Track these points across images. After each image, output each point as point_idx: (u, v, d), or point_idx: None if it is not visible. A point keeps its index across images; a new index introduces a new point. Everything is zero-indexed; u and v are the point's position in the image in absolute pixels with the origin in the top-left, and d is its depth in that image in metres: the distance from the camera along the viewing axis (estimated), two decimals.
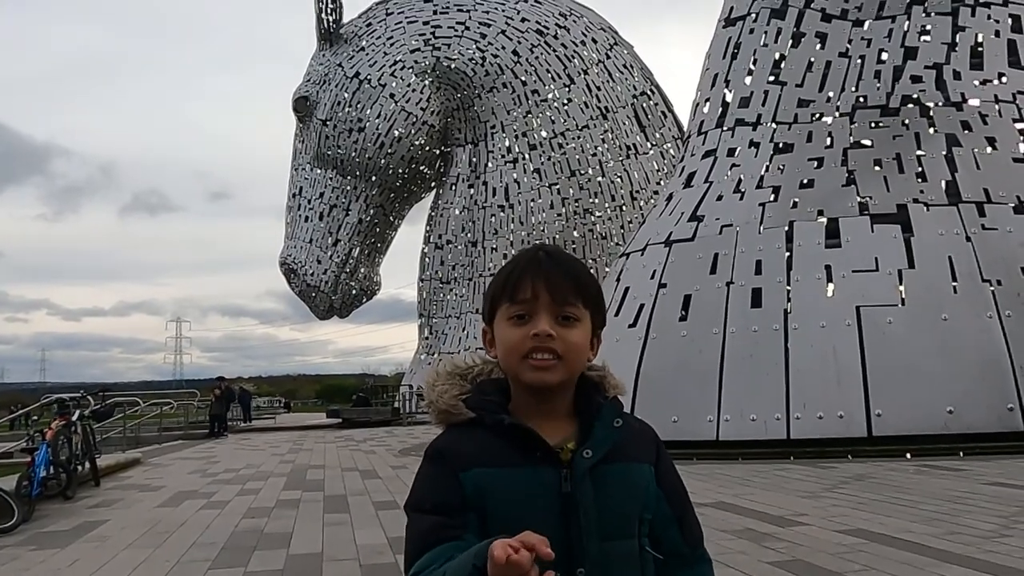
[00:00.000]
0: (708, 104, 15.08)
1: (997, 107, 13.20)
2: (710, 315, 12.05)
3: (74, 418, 9.45)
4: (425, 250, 34.30)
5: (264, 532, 6.48)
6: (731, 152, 13.92)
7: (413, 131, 31.92)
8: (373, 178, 32.87)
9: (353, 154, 31.95)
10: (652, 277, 13.18)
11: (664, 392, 11.58)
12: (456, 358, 1.23)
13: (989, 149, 12.82)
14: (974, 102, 13.25)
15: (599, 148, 31.53)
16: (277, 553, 5.61)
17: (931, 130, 12.89)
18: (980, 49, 13.65)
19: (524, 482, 1.07)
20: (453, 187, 33.30)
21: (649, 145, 32.50)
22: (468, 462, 1.07)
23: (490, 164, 31.69)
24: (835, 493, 7.34)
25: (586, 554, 1.05)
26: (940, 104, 13.17)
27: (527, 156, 31.46)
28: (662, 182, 30.14)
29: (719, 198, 13.34)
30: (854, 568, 4.38)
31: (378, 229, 35.22)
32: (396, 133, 31.65)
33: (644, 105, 33.48)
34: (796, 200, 12.69)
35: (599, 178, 31.43)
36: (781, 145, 13.51)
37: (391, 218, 35.83)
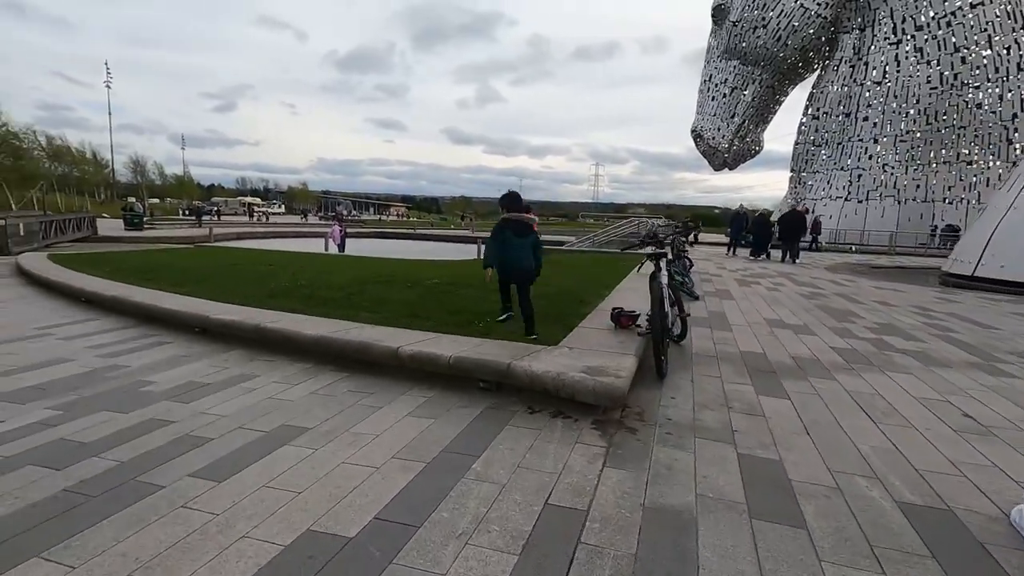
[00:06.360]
0: None
1: None
2: None
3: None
4: (803, 120, 38.21)
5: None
6: None
7: (807, 23, 34.99)
8: (768, 65, 37.51)
9: (755, 46, 36.58)
10: None
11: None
12: None
13: None
14: None
15: (992, 23, 30.90)
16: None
17: None
18: None
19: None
20: (836, 68, 35.91)
21: None
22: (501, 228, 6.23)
23: (873, 46, 33.54)
24: None
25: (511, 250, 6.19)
26: None
27: (911, 36, 32.41)
28: None
29: None
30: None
31: (766, 104, 40.27)
32: (793, 26, 35.17)
33: None
34: None
35: (984, 51, 31.08)
36: None
37: (777, 95, 40.48)
